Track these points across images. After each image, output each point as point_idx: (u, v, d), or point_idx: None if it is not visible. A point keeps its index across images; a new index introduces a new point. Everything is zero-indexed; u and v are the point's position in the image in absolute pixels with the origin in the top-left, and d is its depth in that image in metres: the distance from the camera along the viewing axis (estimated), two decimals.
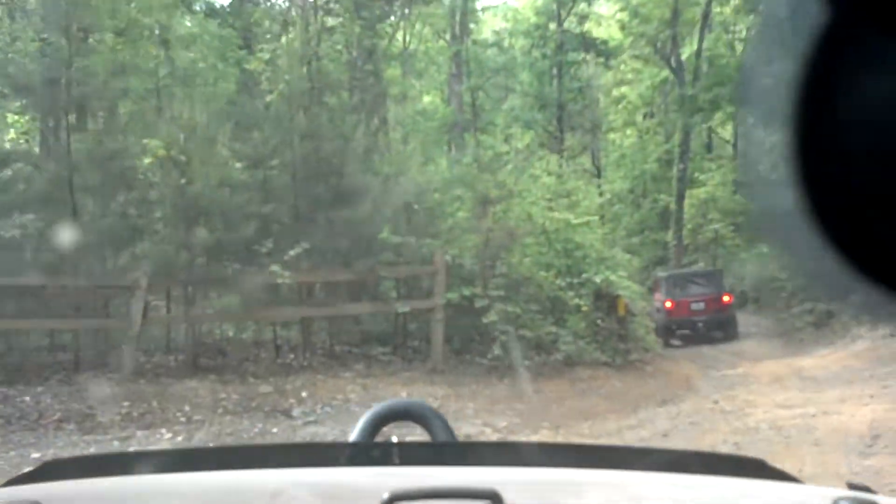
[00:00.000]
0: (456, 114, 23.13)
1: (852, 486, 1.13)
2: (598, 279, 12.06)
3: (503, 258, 11.01)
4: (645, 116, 37.03)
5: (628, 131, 37.28)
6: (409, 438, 1.72)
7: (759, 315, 22.03)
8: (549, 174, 18.71)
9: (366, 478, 1.20)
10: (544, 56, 27.41)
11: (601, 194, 35.93)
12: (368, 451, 1.39)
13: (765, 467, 1.32)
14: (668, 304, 16.93)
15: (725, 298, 17.22)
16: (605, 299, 12.29)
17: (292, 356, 10.58)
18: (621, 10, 30.85)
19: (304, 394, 9.17)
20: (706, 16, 27.73)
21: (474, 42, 23.16)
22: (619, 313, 12.34)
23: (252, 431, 8.13)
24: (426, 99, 27.13)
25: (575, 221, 13.01)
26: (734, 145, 33.34)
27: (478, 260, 10.84)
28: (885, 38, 0.50)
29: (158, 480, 1.18)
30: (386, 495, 0.96)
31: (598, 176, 37.58)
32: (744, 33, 31.76)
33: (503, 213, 11.19)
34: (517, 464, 1.32)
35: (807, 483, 1.29)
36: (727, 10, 30.30)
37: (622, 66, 36.72)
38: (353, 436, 1.47)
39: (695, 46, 28.30)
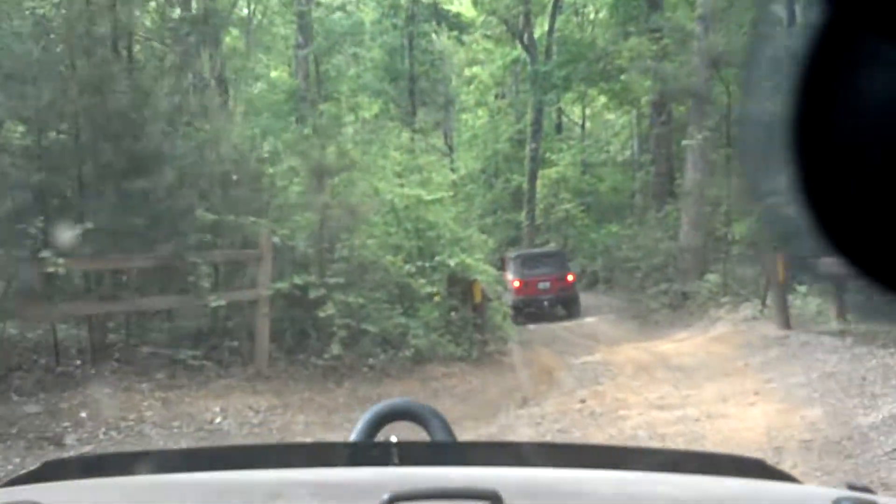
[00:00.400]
0: (301, 85, 21.11)
1: (852, 487, 1.11)
2: (452, 262, 10.70)
3: (344, 240, 9.36)
4: (497, 97, 36.40)
5: (480, 111, 36.51)
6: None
7: (610, 295, 21.73)
8: (399, 149, 17.26)
9: (366, 478, 1.19)
10: (395, 26, 25.78)
11: (454, 172, 35.26)
12: (368, 451, 1.40)
13: (764, 467, 1.35)
14: (517, 284, 16.91)
15: (570, 278, 17.60)
16: (460, 285, 10.95)
17: (78, 362, 8.41)
18: None
19: (83, 414, 7.12)
20: None
21: (318, 4, 21.09)
22: (475, 300, 11.04)
23: (5, 469, 6.06)
24: (274, 74, 24.90)
25: (427, 198, 11.55)
26: (582, 126, 33.38)
27: (313, 242, 9.13)
28: (879, 37, 0.49)
29: (158, 480, 1.17)
30: (386, 495, 0.95)
31: (451, 155, 36.67)
32: (593, 15, 31.72)
33: (343, 188, 9.51)
34: (517, 464, 1.35)
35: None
36: None
37: (474, 46, 35.97)
38: (352, 436, 1.46)
39: (546, 27, 27.72)
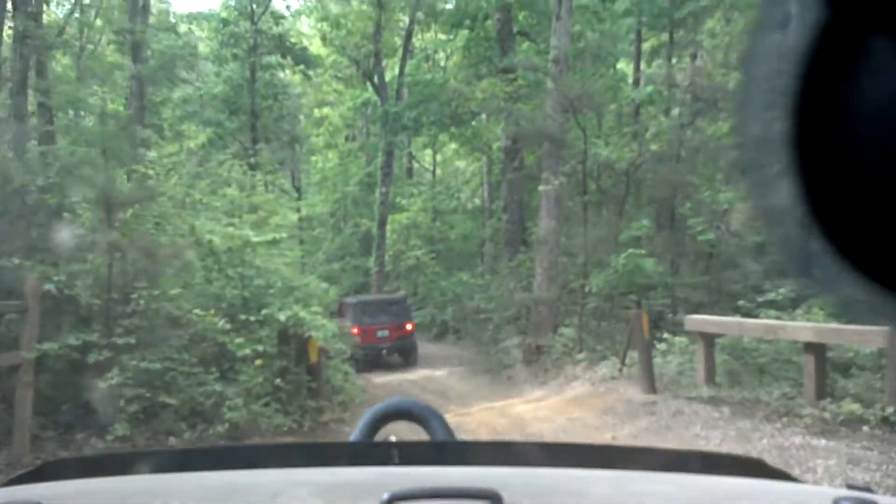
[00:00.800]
0: (133, 116, 18.76)
1: (852, 486, 1.11)
2: (282, 316, 9.04)
3: (140, 289, 7.48)
4: (347, 139, 35.18)
5: (330, 154, 35.09)
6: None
7: (461, 346, 20.69)
8: (236, 185, 15.52)
9: (366, 477, 1.19)
10: (235, 56, 23.93)
11: (299, 213, 33.38)
12: (368, 451, 1.40)
13: (764, 467, 1.35)
14: (355, 331, 16.05)
15: (409, 326, 17.39)
16: (293, 342, 9.30)
17: None
18: (321, 19, 28.62)
19: None
20: (409, 35, 26.42)
21: (147, 26, 18.95)
22: (310, 360, 9.41)
23: None
24: (111, 106, 22.32)
25: (255, 240, 9.84)
26: (433, 172, 32.71)
27: (98, 291, 7.21)
28: (878, 37, 0.49)
29: (158, 480, 1.17)
30: (386, 495, 0.94)
31: (299, 197, 34.87)
32: (444, 61, 31.37)
33: (139, 224, 7.67)
34: (517, 464, 1.33)
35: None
36: (427, 37, 29.60)
37: (324, 87, 34.68)
38: (353, 435, 1.48)
39: (396, 70, 26.90)
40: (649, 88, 13.87)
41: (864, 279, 0.52)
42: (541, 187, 13.58)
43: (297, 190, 35.03)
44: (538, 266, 14.73)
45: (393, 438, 1.42)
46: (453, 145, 33.08)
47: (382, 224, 24.38)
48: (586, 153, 11.57)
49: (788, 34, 0.51)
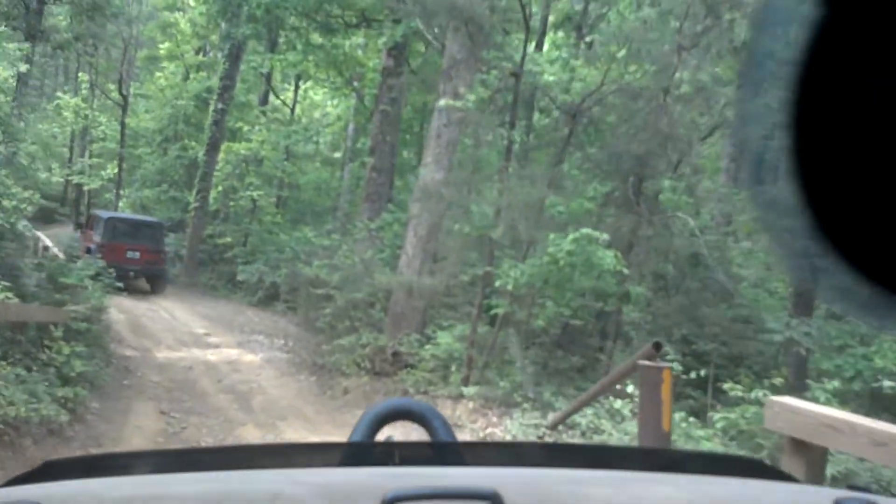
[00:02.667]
0: None
1: (852, 487, 1.10)
2: None
3: None
4: (199, 52, 28.51)
5: (172, 66, 28.18)
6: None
7: (291, 321, 15.58)
8: None
9: (366, 478, 1.15)
10: None
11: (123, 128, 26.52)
12: (368, 452, 1.37)
13: (764, 467, 1.35)
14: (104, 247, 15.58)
15: (161, 254, 16.75)
16: None
17: None
18: None
19: None
20: None
21: None
22: None
23: None
24: None
25: None
26: (292, 109, 26.82)
27: None
28: (881, 35, 0.47)
29: (158, 480, 1.14)
30: (386, 496, 0.92)
31: (125, 108, 27.92)
32: None
33: None
34: (517, 464, 1.32)
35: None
36: None
37: None
38: (352, 436, 1.42)
39: None
40: None
41: (868, 282, 0.50)
42: (440, 103, 8.62)
43: (124, 99, 28.05)
44: (411, 234, 9.84)
45: (393, 439, 1.36)
46: (320, 91, 27.59)
47: (213, 149, 18.53)
48: (524, 57, 6.84)
49: (789, 38, 0.49)
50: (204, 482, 1.12)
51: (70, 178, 29.73)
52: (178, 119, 22.58)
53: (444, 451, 1.37)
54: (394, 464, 1.25)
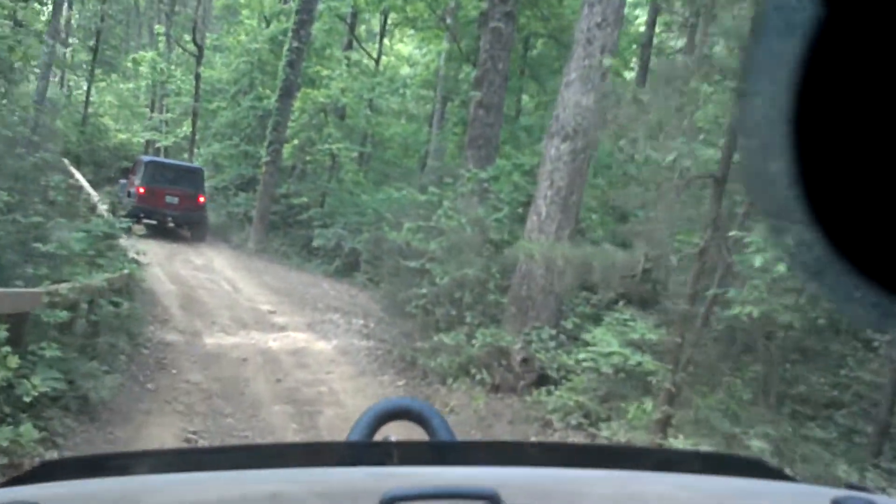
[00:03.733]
0: None
1: (851, 486, 1.09)
2: None
3: None
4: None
5: (249, 13, 25.74)
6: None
7: (372, 298, 12.92)
8: None
9: (364, 478, 1.14)
10: None
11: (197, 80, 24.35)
12: (367, 451, 1.36)
13: (764, 467, 1.34)
14: (141, 191, 15.24)
15: (201, 199, 15.96)
16: None
17: None
18: None
19: None
20: None
21: None
22: None
23: None
24: None
25: None
26: (377, 59, 23.96)
27: None
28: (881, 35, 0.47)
29: (158, 480, 1.12)
30: (384, 495, 0.91)
31: (200, 59, 25.77)
32: None
33: None
34: (516, 464, 1.29)
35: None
36: None
37: None
38: (351, 435, 1.42)
39: None
40: None
41: (870, 283, 0.50)
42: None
43: (199, 49, 25.88)
44: (545, 185, 6.81)
45: (392, 438, 1.36)
46: (408, 43, 24.76)
47: (287, 95, 15.88)
48: None
49: (790, 41, 0.48)
50: (202, 482, 1.11)
51: (143, 135, 27.98)
52: (253, 67, 20.04)
53: (443, 450, 1.37)
54: (392, 463, 1.23)
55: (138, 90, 31.24)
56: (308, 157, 17.22)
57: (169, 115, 27.57)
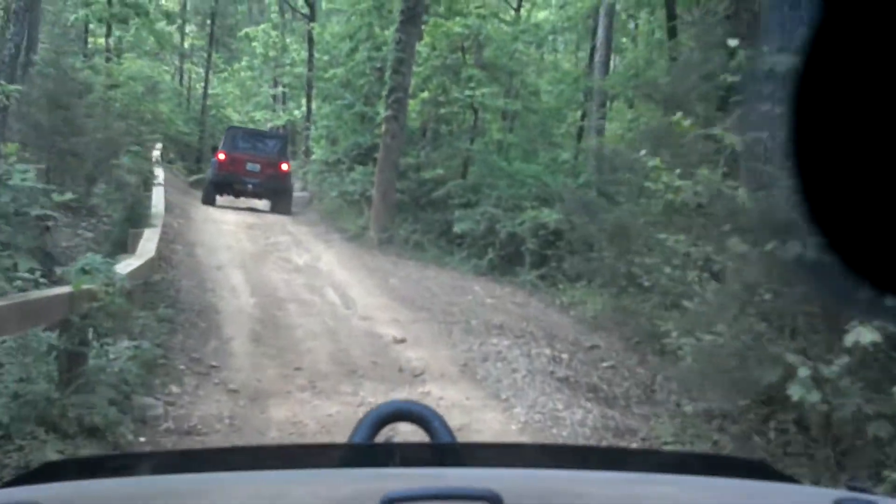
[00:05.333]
0: None
1: (852, 488, 1.09)
2: None
3: None
4: None
5: None
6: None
7: (543, 295, 8.23)
8: None
9: (366, 479, 1.15)
10: None
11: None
12: (369, 452, 1.37)
13: (766, 469, 1.37)
14: (222, 157, 14.17)
15: (284, 167, 14.43)
16: None
17: None
18: None
19: None
20: None
21: None
22: None
23: None
24: None
25: None
26: (517, 6, 19.11)
27: None
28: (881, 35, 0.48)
29: (158, 481, 1.14)
30: (385, 497, 0.91)
31: (312, 19, 22.15)
32: None
33: None
34: (517, 465, 1.30)
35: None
36: None
37: None
38: (352, 437, 1.39)
39: None
40: None
41: (862, 278, 0.51)
42: None
43: (311, 8, 22.16)
44: None
45: (394, 440, 1.37)
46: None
47: (411, 21, 11.35)
48: None
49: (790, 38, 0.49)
50: (204, 483, 1.11)
51: (254, 115, 24.73)
52: (370, 10, 15.72)
53: (443, 452, 1.37)
54: (394, 465, 1.23)
55: (253, 70, 28.20)
56: (443, 111, 12.70)
57: (283, 89, 24.15)
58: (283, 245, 11.09)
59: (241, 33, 27.83)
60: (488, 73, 12.68)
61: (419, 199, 12.43)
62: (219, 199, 14.50)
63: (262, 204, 15.25)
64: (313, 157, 17.68)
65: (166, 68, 30.87)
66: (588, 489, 1.13)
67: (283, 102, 25.15)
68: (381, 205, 11.58)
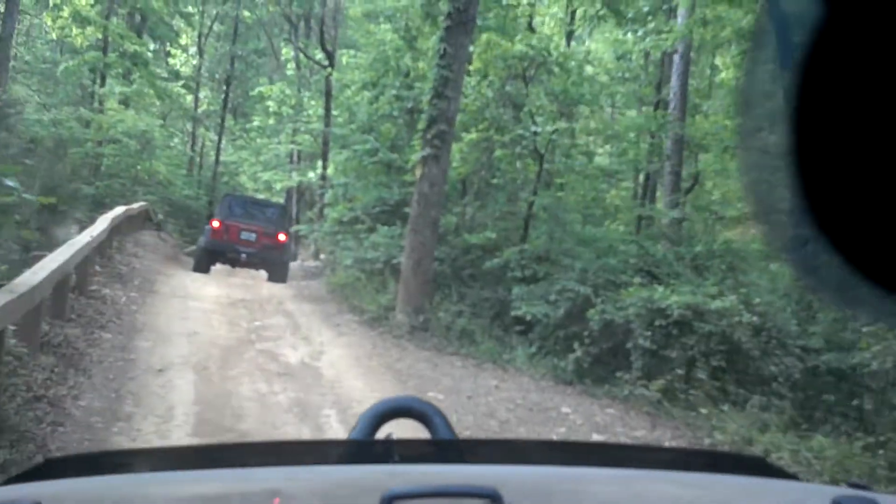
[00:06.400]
0: None
1: (852, 485, 1.07)
2: None
3: None
4: None
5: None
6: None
7: (683, 425, 4.74)
8: None
9: (366, 476, 1.12)
10: None
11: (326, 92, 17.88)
12: (368, 449, 1.33)
13: (765, 465, 1.34)
14: (216, 224, 13.22)
15: (281, 237, 13.47)
16: None
17: None
18: None
19: None
20: None
21: None
22: None
23: None
24: None
25: None
26: (568, 38, 16.20)
27: None
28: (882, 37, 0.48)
29: (158, 479, 1.11)
30: (386, 493, 0.87)
31: (331, 65, 19.58)
32: None
33: None
34: (518, 462, 1.29)
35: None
36: None
37: None
38: (353, 433, 1.35)
39: None
40: None
41: (865, 280, 0.50)
42: None
43: (329, 57, 19.53)
44: None
45: (393, 436, 1.31)
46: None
47: (461, 28, 8.22)
48: None
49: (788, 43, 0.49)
50: (204, 480, 1.10)
51: (262, 175, 21.89)
52: (399, 39, 12.70)
53: (444, 448, 1.35)
54: (394, 461, 1.18)
55: (265, 128, 25.53)
56: (498, 153, 9.50)
57: (297, 146, 21.30)
58: (274, 331, 7.72)
59: (254, 91, 25.36)
60: (557, 108, 9.51)
61: (462, 270, 9.09)
62: (213, 268, 13.24)
63: (261, 274, 13.32)
64: (329, 216, 14.70)
65: (176, 133, 28.50)
66: (588, 486, 1.11)
67: (297, 162, 22.32)
68: (414, 277, 8.22)
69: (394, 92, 11.79)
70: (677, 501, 1.11)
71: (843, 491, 1.02)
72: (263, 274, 13.09)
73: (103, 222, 8.98)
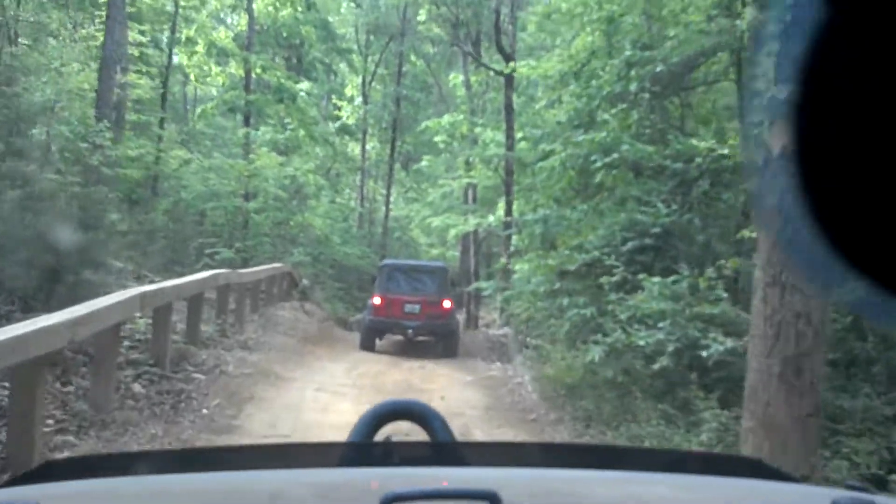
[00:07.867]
0: None
1: (850, 487, 1.05)
2: None
3: None
4: None
5: None
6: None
7: None
8: None
9: (365, 478, 1.12)
10: None
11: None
12: (367, 451, 1.32)
13: (764, 467, 1.31)
14: (378, 301, 12.44)
15: (446, 304, 12.50)
16: None
17: None
18: None
19: None
20: None
21: None
22: None
23: None
24: None
25: None
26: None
27: None
28: (883, 37, 0.47)
29: (158, 481, 1.10)
30: (384, 496, 0.87)
31: (509, 82, 15.48)
32: None
33: None
34: (516, 464, 1.28)
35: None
36: None
37: None
38: (352, 436, 1.35)
39: None
40: None
41: (869, 280, 0.49)
42: None
43: (508, 60, 15.32)
44: None
45: (393, 439, 1.31)
46: None
47: None
48: None
49: (788, 42, 0.49)
50: (203, 482, 1.08)
51: (432, 219, 17.91)
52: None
53: (443, 451, 1.33)
54: (393, 464, 1.20)
55: (436, 168, 21.87)
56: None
57: (471, 178, 17.14)
58: None
59: (421, 127, 21.74)
60: None
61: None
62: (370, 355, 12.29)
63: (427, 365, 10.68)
64: (517, 267, 10.35)
65: (342, 186, 25.88)
66: (586, 488, 1.11)
67: (473, 201, 18.22)
68: (787, 398, 3.27)
69: (627, 53, 7.09)
70: (675, 503, 1.10)
71: (842, 493, 1.00)
72: (430, 365, 10.52)
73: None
